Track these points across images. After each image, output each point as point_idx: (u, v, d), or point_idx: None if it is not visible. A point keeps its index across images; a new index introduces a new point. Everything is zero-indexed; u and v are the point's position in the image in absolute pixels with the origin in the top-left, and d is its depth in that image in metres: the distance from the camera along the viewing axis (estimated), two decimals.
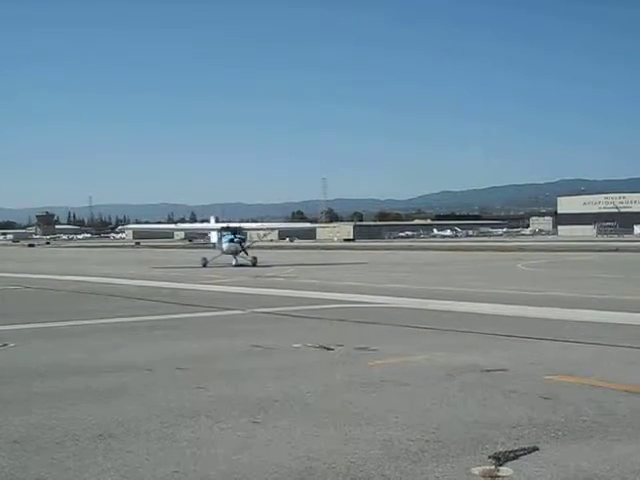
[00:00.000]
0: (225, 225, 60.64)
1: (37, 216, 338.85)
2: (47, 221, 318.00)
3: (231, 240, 54.77)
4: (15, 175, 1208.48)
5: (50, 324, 19.68)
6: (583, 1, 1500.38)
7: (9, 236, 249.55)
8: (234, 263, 53.33)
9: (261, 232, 75.02)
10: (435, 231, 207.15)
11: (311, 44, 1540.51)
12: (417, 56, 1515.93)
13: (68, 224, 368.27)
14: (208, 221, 72.62)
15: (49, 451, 7.76)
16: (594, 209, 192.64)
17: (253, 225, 69.59)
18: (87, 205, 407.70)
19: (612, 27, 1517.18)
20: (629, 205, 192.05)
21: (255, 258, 54.85)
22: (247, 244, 57.93)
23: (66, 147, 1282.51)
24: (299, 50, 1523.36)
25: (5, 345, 15.60)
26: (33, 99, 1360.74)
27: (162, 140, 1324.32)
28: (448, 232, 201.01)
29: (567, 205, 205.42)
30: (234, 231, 56.50)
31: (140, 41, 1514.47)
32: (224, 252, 55.07)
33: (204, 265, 53.60)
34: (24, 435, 8.37)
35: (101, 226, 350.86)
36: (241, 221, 66.70)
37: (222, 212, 73.56)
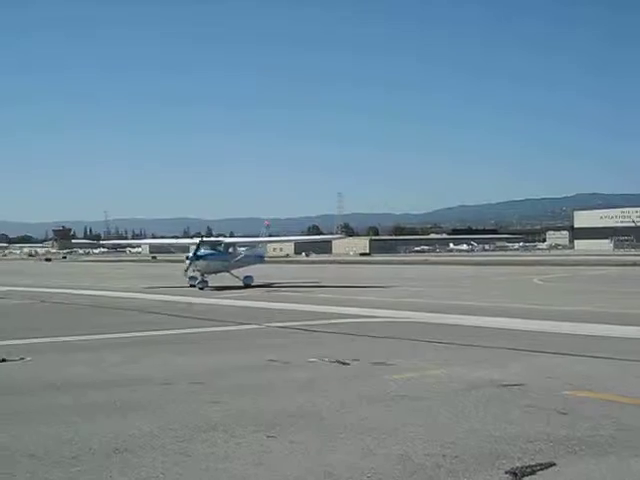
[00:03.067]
0: (201, 239, 50.19)
1: (54, 230, 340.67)
2: (63, 235, 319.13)
3: (187, 257, 46.29)
4: (32, 190, 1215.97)
5: (66, 338, 19.72)
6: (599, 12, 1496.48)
7: (25, 250, 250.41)
8: (197, 282, 44.94)
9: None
10: (451, 245, 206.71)
11: (329, 54, 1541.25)
12: (432, 69, 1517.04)
13: (84, 238, 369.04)
14: (225, 236, 68.33)
15: (66, 465, 7.77)
16: (610, 223, 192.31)
17: (240, 240, 59.57)
18: (103, 219, 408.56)
19: (621, 39, 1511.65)
20: None
21: (249, 277, 46.90)
22: (233, 261, 48.06)
23: (83, 161, 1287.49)
24: (317, 62, 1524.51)
25: (22, 359, 15.64)
26: (49, 114, 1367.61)
27: (178, 154, 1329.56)
28: (464, 246, 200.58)
29: (584, 219, 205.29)
30: (209, 245, 47.81)
31: (155, 49, 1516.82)
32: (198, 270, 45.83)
33: (192, 285, 45.11)
34: (41, 449, 8.38)
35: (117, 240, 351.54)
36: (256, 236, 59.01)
37: (266, 228, 60.48)
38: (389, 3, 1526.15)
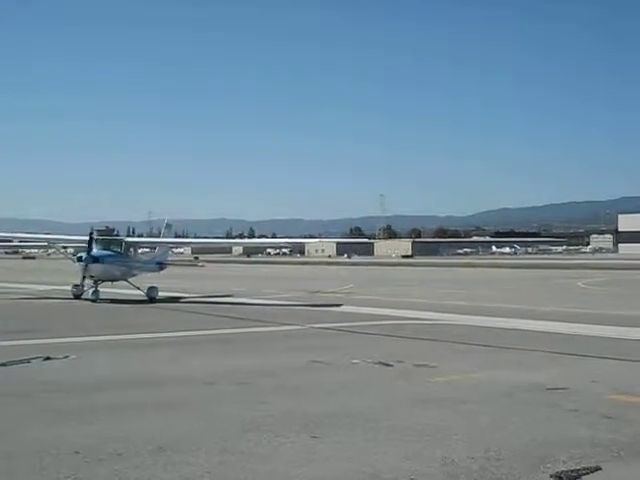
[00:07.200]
0: (91, 235, 36.36)
1: (97, 230, 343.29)
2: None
3: (79, 258, 35.06)
4: (76, 190, 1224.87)
5: (110, 337, 19.89)
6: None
7: (70, 250, 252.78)
8: (90, 295, 33.68)
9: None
10: (494, 248, 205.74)
11: (375, 56, 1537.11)
12: (481, 76, 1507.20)
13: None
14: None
15: (110, 462, 7.83)
16: None
17: (139, 239, 48.05)
18: (146, 219, 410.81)
19: None
20: None
21: (153, 289, 35.29)
22: (134, 267, 37.77)
23: (127, 162, 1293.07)
24: (362, 63, 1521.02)
25: (66, 357, 15.77)
26: (96, 115, 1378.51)
27: (222, 154, 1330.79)
28: (507, 249, 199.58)
29: (628, 223, 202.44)
30: (105, 244, 37.00)
31: (191, 45, 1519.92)
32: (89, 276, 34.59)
33: (77, 296, 35.02)
34: (86, 446, 8.44)
35: None
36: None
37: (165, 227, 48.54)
38: None
